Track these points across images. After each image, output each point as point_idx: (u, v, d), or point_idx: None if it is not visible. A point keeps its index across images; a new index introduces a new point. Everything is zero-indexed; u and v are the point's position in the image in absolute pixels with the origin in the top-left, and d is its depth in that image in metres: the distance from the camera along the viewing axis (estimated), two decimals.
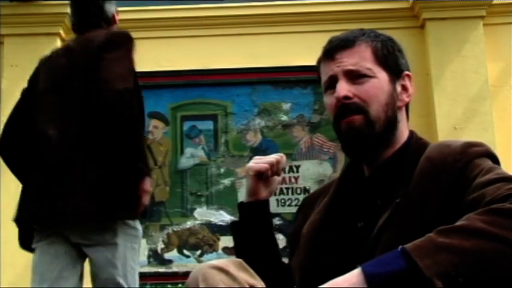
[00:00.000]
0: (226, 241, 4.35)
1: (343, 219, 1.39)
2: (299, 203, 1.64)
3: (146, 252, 4.38)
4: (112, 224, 2.45)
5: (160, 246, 4.44)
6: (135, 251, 2.53)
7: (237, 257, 1.42)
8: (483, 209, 1.13)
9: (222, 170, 4.57)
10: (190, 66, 4.61)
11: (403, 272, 1.06)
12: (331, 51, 1.41)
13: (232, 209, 4.40)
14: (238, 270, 1.24)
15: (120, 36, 2.53)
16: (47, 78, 2.57)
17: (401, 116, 1.43)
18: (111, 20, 2.68)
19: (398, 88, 1.42)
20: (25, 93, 2.67)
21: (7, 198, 3.94)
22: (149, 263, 4.41)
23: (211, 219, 4.48)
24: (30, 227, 2.54)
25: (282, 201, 4.49)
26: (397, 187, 1.32)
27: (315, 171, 4.54)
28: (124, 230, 2.48)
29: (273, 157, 1.51)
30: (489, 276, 1.05)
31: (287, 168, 4.51)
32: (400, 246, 1.09)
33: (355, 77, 1.38)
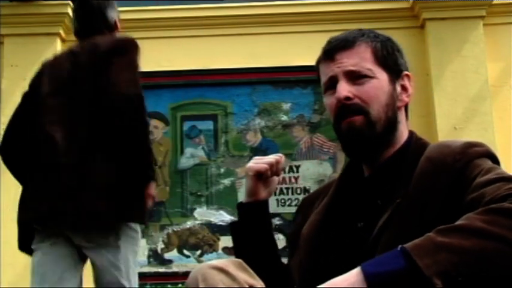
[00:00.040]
0: (226, 241, 4.35)
1: (343, 219, 1.40)
2: (299, 203, 1.64)
3: (146, 252, 4.38)
4: (116, 226, 2.46)
5: (160, 246, 4.44)
6: (135, 253, 2.55)
7: (236, 257, 1.42)
8: (483, 208, 1.13)
9: (222, 170, 4.57)
10: (190, 66, 4.61)
11: (403, 271, 1.06)
12: (331, 52, 1.41)
13: (232, 209, 4.40)
14: (237, 270, 1.24)
15: (127, 42, 2.57)
16: (51, 82, 2.58)
17: (401, 116, 1.43)
18: (114, 26, 2.72)
19: (398, 88, 1.43)
20: (26, 96, 2.67)
21: (7, 199, 3.94)
22: (149, 263, 4.41)
23: (211, 219, 4.48)
24: (31, 229, 2.53)
25: (282, 201, 4.49)
26: (397, 187, 1.32)
27: (315, 171, 4.54)
28: (126, 233, 2.49)
29: (272, 157, 1.51)
30: (489, 275, 1.06)
31: (287, 168, 4.51)
32: (400, 246, 1.09)
33: (355, 77, 1.38)
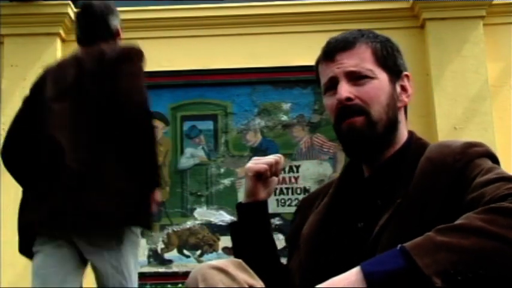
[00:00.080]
0: (226, 241, 4.35)
1: (343, 219, 1.40)
2: (298, 203, 1.64)
3: (146, 252, 4.38)
4: (120, 230, 2.47)
5: (160, 246, 4.44)
6: (136, 257, 2.56)
7: (236, 257, 1.42)
8: (482, 208, 1.13)
9: (222, 170, 4.57)
10: (190, 66, 4.61)
11: (402, 270, 1.06)
12: (331, 53, 1.41)
13: (232, 209, 4.40)
14: (237, 270, 1.24)
15: (135, 50, 2.60)
16: (55, 87, 2.59)
17: (401, 116, 1.43)
18: (116, 34, 2.75)
19: (398, 89, 1.43)
20: (27, 100, 2.67)
21: (7, 199, 3.95)
22: (149, 263, 4.41)
23: (211, 219, 4.48)
24: (33, 232, 2.52)
25: (282, 201, 4.49)
26: (397, 187, 1.32)
27: (315, 171, 4.54)
28: (129, 237, 2.50)
29: (271, 158, 1.51)
30: (488, 274, 1.05)
31: (287, 168, 4.51)
32: (399, 245, 1.09)
33: (355, 78, 1.38)
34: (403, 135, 1.43)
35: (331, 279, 1.11)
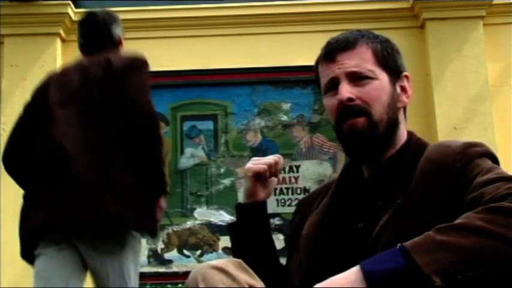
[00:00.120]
0: (226, 241, 4.35)
1: (343, 220, 1.40)
2: (297, 204, 1.64)
3: (146, 252, 4.38)
4: (124, 235, 2.48)
5: (160, 246, 4.44)
6: (137, 263, 2.57)
7: (235, 258, 1.42)
8: (482, 207, 1.13)
9: (222, 170, 4.57)
10: (190, 66, 4.61)
11: (402, 269, 1.06)
12: (331, 53, 1.41)
13: (232, 209, 4.40)
14: (237, 270, 1.24)
15: (141, 60, 2.64)
16: (60, 93, 2.60)
17: (401, 117, 1.43)
18: (118, 42, 2.79)
19: (398, 89, 1.43)
20: (29, 106, 2.67)
21: (7, 199, 3.95)
22: (149, 263, 4.41)
23: (211, 219, 4.48)
24: (35, 236, 2.51)
25: (282, 201, 4.49)
26: (397, 188, 1.32)
27: (315, 171, 4.54)
28: (131, 243, 2.52)
29: (271, 158, 1.51)
30: (488, 273, 1.06)
31: (287, 168, 4.51)
32: (399, 244, 1.10)
33: (357, 78, 1.38)
34: (402, 135, 1.43)
35: (331, 278, 1.11)
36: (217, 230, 4.46)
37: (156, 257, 4.43)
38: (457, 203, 1.22)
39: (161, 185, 2.60)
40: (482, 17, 4.56)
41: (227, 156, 4.59)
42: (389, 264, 1.07)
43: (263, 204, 1.52)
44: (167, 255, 4.45)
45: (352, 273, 1.09)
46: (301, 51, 4.41)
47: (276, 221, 4.37)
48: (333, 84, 1.39)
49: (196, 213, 4.51)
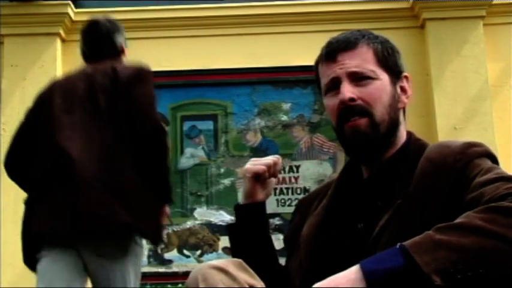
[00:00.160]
0: (226, 241, 4.30)
1: (343, 220, 1.39)
2: (296, 204, 1.64)
3: (146, 252, 4.37)
4: (127, 242, 2.49)
5: (160, 246, 4.44)
6: (138, 269, 2.58)
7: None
8: (482, 207, 1.14)
9: (222, 170, 4.57)
10: (190, 66, 4.61)
11: (402, 268, 1.06)
12: (332, 53, 1.40)
13: (232, 209, 4.39)
14: (237, 270, 1.24)
15: (147, 71, 2.66)
16: (64, 100, 2.60)
17: (401, 117, 1.43)
18: (121, 51, 2.80)
19: (398, 89, 1.43)
20: (31, 112, 2.67)
21: (7, 200, 3.94)
22: (149, 263, 4.41)
23: (211, 219, 4.49)
24: (40, 243, 2.51)
25: (282, 201, 4.49)
26: (397, 188, 1.32)
27: (315, 171, 4.54)
28: (134, 249, 2.52)
29: (270, 159, 1.50)
30: (487, 273, 1.06)
31: (287, 168, 4.51)
32: (399, 244, 1.10)
33: (358, 79, 1.38)
34: (402, 136, 1.43)
35: (331, 278, 1.11)
36: (217, 230, 4.46)
37: (156, 257, 4.43)
38: (456, 203, 1.22)
39: (167, 193, 2.63)
40: (482, 17, 4.56)
41: (227, 156, 4.59)
42: (389, 264, 1.07)
43: (262, 205, 1.51)
44: (167, 255, 4.45)
45: (352, 273, 1.09)
46: (301, 51, 4.41)
47: (276, 221, 4.37)
48: (334, 84, 1.39)
49: (196, 213, 4.51)
